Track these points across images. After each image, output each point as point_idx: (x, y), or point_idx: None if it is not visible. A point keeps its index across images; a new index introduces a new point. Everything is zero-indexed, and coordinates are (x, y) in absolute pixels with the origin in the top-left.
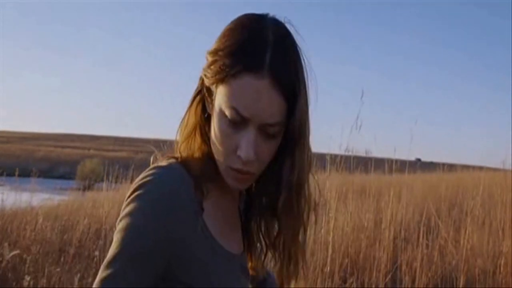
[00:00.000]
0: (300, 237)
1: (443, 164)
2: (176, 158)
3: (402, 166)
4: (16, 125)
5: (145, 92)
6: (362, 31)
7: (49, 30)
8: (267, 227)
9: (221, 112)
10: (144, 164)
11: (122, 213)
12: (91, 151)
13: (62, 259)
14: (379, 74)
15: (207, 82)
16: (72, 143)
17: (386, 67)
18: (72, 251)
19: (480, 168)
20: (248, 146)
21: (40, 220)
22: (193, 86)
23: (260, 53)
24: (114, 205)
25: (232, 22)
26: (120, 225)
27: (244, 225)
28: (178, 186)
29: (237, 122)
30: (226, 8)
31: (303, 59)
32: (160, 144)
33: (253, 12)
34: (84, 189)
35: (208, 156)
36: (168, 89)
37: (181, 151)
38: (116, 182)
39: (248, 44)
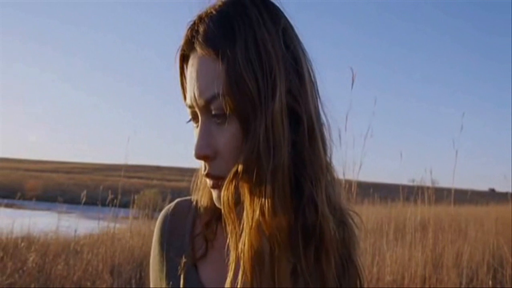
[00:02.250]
0: None
1: None
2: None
3: (473, 197)
4: (92, 157)
5: None
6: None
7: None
8: None
9: None
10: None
11: None
12: (154, 181)
13: None
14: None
15: None
16: (137, 173)
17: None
18: None
19: None
20: (197, 138)
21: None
22: None
23: (192, 29)
24: None
25: None
26: None
27: None
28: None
29: (194, 119)
30: None
31: (269, 26)
32: None
33: None
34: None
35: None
36: None
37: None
38: None
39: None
